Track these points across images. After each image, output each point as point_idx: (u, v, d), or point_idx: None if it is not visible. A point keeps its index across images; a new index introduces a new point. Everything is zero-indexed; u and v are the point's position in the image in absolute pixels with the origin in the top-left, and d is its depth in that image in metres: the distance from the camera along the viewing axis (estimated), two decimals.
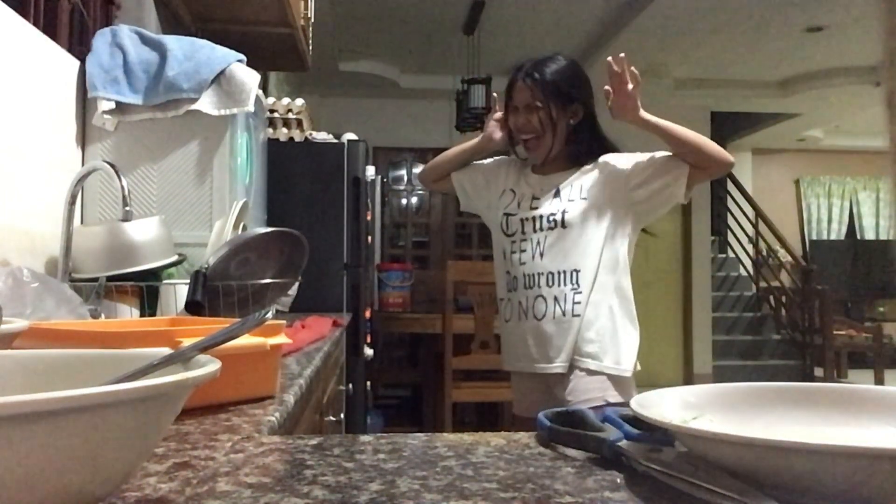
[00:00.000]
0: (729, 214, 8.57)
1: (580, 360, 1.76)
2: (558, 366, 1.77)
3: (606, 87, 1.77)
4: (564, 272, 1.78)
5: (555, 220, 1.79)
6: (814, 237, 9.71)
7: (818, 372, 7.08)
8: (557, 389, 1.78)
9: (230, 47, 1.89)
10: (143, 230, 1.52)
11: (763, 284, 8.09)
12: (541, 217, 1.81)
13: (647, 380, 2.54)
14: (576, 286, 1.78)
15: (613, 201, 1.79)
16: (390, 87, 6.71)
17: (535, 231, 1.81)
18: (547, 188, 1.85)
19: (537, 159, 1.87)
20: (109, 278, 1.43)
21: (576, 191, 1.82)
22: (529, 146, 1.85)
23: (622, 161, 1.82)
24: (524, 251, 1.82)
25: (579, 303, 1.77)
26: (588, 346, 1.76)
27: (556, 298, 1.78)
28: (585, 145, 1.86)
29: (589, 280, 1.77)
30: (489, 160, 2.00)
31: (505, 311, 1.89)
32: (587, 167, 1.85)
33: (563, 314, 1.77)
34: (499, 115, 1.92)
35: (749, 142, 8.95)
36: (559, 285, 1.78)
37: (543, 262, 1.79)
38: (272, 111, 2.95)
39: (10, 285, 1.04)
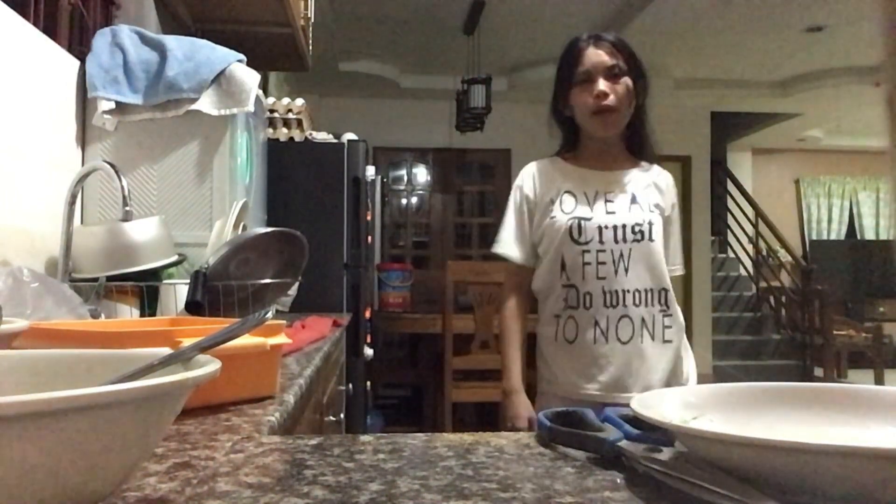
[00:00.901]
0: (729, 214, 8.58)
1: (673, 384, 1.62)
2: (626, 396, 1.58)
3: None
4: (652, 290, 1.62)
5: (641, 232, 1.61)
6: (814, 237, 9.71)
7: (818, 372, 7.08)
8: None
9: (230, 47, 1.89)
10: (143, 230, 1.52)
11: (763, 284, 8.10)
12: (624, 226, 1.61)
13: None
14: (664, 308, 1.63)
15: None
16: (390, 87, 6.71)
17: (616, 241, 1.60)
18: (617, 189, 1.66)
19: (607, 131, 1.65)
20: (109, 278, 1.43)
21: (653, 203, 1.66)
22: (602, 119, 1.62)
23: (675, 206, 1.74)
24: (603, 263, 1.60)
25: (670, 327, 1.63)
26: (677, 378, 1.65)
27: (643, 321, 1.60)
28: (639, 136, 1.71)
29: (673, 302, 1.64)
30: (513, 207, 1.74)
31: (561, 330, 1.64)
32: (647, 170, 1.71)
33: (653, 339, 1.61)
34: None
35: (749, 142, 8.96)
36: (647, 305, 1.61)
37: (629, 277, 1.60)
38: (272, 111, 2.95)
39: (10, 285, 1.04)
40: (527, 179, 1.73)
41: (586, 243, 1.61)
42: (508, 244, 1.73)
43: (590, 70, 1.61)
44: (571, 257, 1.62)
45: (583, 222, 1.61)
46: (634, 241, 1.60)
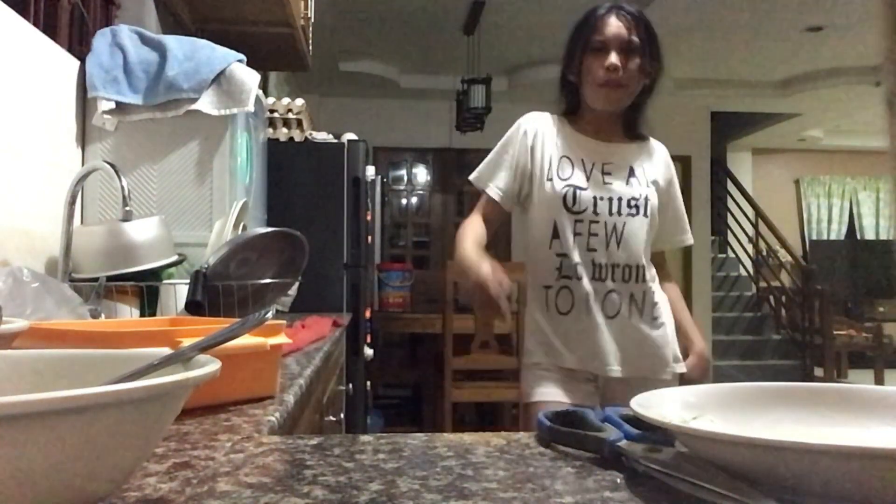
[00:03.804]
0: (729, 214, 8.58)
1: (661, 367, 1.61)
2: (617, 370, 1.58)
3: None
4: (643, 267, 1.60)
5: (637, 206, 1.58)
6: (814, 237, 9.71)
7: (818, 372, 7.08)
8: (616, 395, 1.59)
9: (230, 47, 1.89)
10: (143, 230, 1.52)
11: (763, 284, 8.10)
12: (620, 199, 1.58)
13: None
14: (650, 286, 1.62)
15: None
16: (390, 87, 6.71)
17: (610, 214, 1.57)
18: (617, 162, 1.62)
19: (612, 106, 1.61)
20: (109, 278, 1.43)
21: (651, 177, 1.64)
22: (610, 92, 1.58)
23: (674, 179, 1.72)
24: (595, 235, 1.56)
25: (658, 303, 1.62)
26: (666, 351, 1.63)
27: (632, 296, 1.59)
28: (640, 115, 1.67)
29: (656, 279, 1.64)
30: (508, 144, 1.67)
31: (553, 301, 1.60)
32: (643, 144, 1.68)
33: (641, 316, 1.59)
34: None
35: (749, 142, 8.96)
36: (637, 281, 1.59)
37: (619, 252, 1.57)
38: (272, 111, 2.95)
39: (10, 285, 1.04)
40: (532, 125, 1.66)
41: (580, 213, 1.57)
42: (490, 178, 1.66)
43: (605, 40, 1.56)
44: (564, 225, 1.58)
45: (578, 191, 1.57)
46: (629, 214, 1.57)
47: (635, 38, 1.56)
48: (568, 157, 1.61)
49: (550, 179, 1.60)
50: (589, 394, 1.61)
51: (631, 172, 1.61)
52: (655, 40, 1.61)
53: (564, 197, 1.57)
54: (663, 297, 1.67)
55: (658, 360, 1.62)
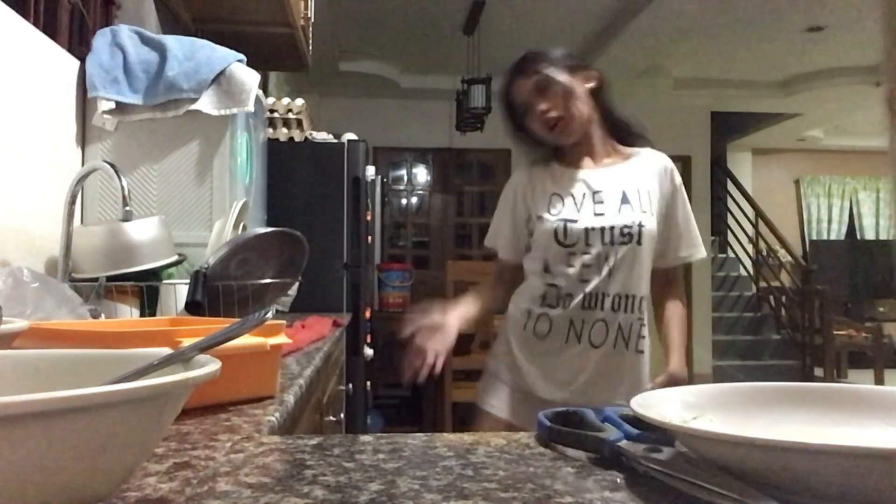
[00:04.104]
0: (729, 214, 8.58)
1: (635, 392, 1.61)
2: (601, 399, 1.54)
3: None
4: (634, 297, 1.58)
5: (630, 234, 1.57)
6: (814, 237, 9.71)
7: (818, 372, 7.08)
8: None
9: (230, 47, 1.89)
10: (143, 230, 1.52)
11: (763, 284, 8.10)
12: (612, 228, 1.57)
13: None
14: (641, 316, 1.60)
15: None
16: (390, 87, 6.71)
17: (603, 244, 1.56)
18: (608, 188, 1.61)
19: (572, 136, 1.63)
20: (109, 278, 1.43)
21: (645, 199, 1.61)
22: (560, 129, 1.61)
23: (677, 191, 1.68)
24: (587, 266, 1.56)
25: (644, 337, 1.61)
26: (643, 379, 1.62)
27: (620, 327, 1.57)
28: (615, 121, 1.68)
29: (647, 310, 1.61)
30: (503, 202, 1.73)
31: (532, 324, 1.62)
32: (638, 159, 1.66)
33: (627, 346, 1.58)
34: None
35: (749, 142, 8.96)
36: (626, 311, 1.58)
37: (612, 281, 1.56)
38: (272, 111, 2.95)
39: (10, 285, 1.04)
40: (521, 177, 1.71)
41: (572, 245, 1.58)
42: (494, 238, 1.75)
43: (525, 102, 1.62)
44: (555, 259, 1.59)
45: (569, 224, 1.58)
46: (622, 243, 1.57)
47: (543, 75, 1.60)
48: (558, 194, 1.63)
49: (541, 217, 1.62)
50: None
51: (624, 198, 1.60)
52: (563, 58, 1.64)
53: (556, 231, 1.59)
54: (648, 327, 1.65)
55: (633, 385, 1.60)
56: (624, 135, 1.70)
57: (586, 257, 1.57)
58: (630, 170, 1.65)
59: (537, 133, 1.64)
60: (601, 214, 1.59)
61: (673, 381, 1.59)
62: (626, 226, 1.57)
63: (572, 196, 1.62)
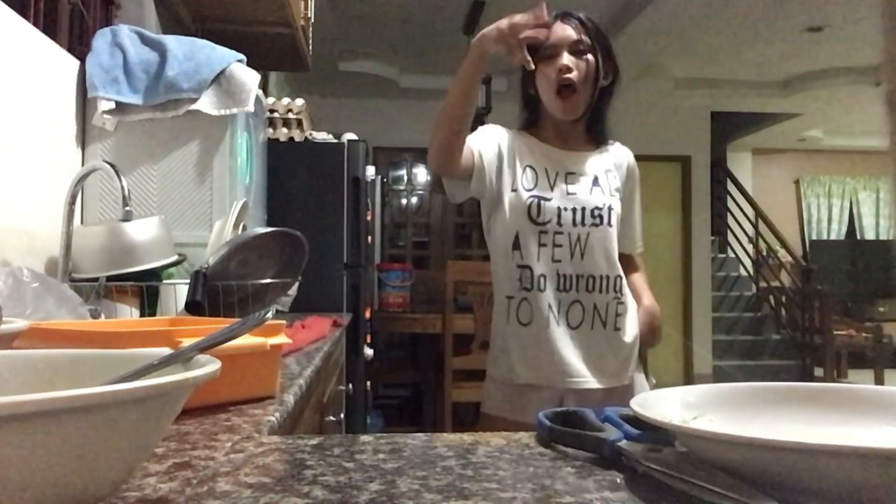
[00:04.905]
0: (729, 214, 8.58)
1: (623, 373, 1.63)
2: (590, 380, 1.59)
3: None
4: (607, 277, 1.60)
5: (600, 216, 1.59)
6: (814, 237, 9.72)
7: (818, 372, 7.08)
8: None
9: (230, 47, 1.89)
10: (143, 230, 1.52)
11: (763, 284, 8.10)
12: (584, 209, 1.58)
13: None
14: (618, 295, 1.62)
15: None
16: (390, 87, 6.71)
17: (574, 224, 1.58)
18: (580, 171, 1.62)
19: (568, 114, 1.61)
20: (109, 278, 1.43)
21: (614, 184, 1.65)
22: (564, 98, 1.58)
23: (635, 191, 1.74)
24: (559, 246, 1.57)
25: (621, 315, 1.63)
26: (631, 363, 1.65)
27: (595, 307, 1.59)
28: (598, 119, 1.68)
29: (625, 288, 1.64)
30: (494, 136, 1.66)
31: (514, 312, 1.61)
32: (607, 150, 1.70)
33: (605, 326, 1.60)
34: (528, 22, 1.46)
35: (749, 142, 8.96)
36: (601, 292, 1.59)
37: (584, 262, 1.58)
38: (272, 111, 2.95)
39: (10, 285, 1.04)
40: (505, 139, 1.65)
41: (544, 224, 1.58)
42: (477, 140, 1.64)
43: (554, 44, 1.58)
44: (526, 237, 1.58)
45: (542, 202, 1.58)
46: (593, 224, 1.58)
47: (585, 38, 1.58)
48: (532, 167, 1.62)
49: (515, 190, 1.61)
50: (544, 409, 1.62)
51: (595, 181, 1.62)
52: (606, 41, 1.63)
53: (529, 207, 1.58)
54: (632, 307, 1.68)
55: (619, 365, 1.63)
56: (600, 134, 1.72)
57: (558, 237, 1.58)
58: (601, 157, 1.68)
59: (543, 85, 1.61)
60: (573, 195, 1.60)
61: (649, 314, 1.70)
62: (597, 207, 1.60)
63: (546, 171, 1.62)
